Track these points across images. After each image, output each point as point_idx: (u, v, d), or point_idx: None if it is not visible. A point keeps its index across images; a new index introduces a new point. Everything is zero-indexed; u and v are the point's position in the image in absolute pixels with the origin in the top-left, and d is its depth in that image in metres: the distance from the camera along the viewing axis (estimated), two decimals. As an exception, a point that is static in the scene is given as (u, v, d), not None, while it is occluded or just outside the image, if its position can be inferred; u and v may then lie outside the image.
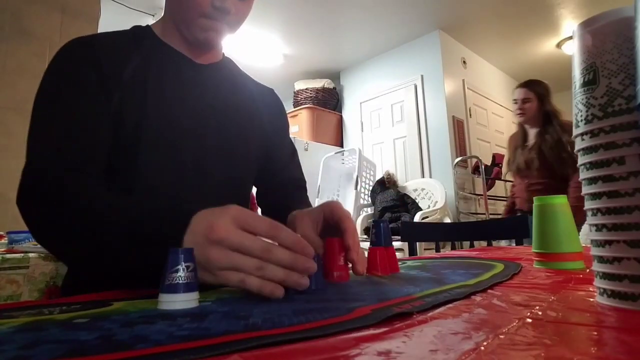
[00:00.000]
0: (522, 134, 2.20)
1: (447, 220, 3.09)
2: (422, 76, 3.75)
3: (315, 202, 3.20)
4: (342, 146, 4.27)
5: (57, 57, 0.60)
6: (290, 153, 0.86)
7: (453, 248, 1.86)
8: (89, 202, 0.48)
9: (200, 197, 0.64)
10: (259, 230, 0.40)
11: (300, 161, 0.88)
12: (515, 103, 2.17)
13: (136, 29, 0.69)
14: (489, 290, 0.40)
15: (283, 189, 0.82)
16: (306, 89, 4.25)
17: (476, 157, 3.46)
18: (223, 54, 0.79)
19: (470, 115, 3.86)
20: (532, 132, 2.14)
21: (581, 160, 0.32)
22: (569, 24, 3.57)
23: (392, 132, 3.92)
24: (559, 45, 3.96)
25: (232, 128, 0.71)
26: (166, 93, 0.64)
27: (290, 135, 0.96)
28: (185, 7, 0.64)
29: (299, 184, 0.85)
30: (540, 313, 0.29)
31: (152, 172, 0.61)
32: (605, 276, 0.31)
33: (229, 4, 0.63)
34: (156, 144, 0.61)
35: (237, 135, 0.72)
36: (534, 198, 0.64)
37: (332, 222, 0.58)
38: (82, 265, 0.56)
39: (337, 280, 0.50)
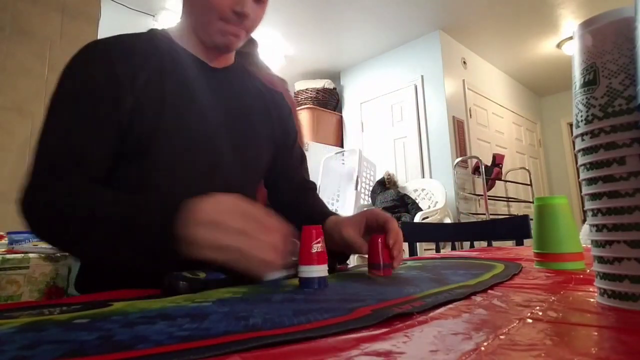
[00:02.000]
0: None
1: (448, 220, 3.08)
2: (422, 76, 3.75)
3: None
4: (342, 146, 4.26)
5: (74, 59, 0.60)
6: (301, 155, 0.89)
7: (453, 248, 1.85)
8: (84, 204, 0.50)
9: None
10: None
11: (301, 161, 0.91)
12: None
13: (153, 32, 0.70)
14: (490, 291, 0.40)
15: (297, 189, 0.85)
16: (306, 89, 4.25)
17: (476, 157, 3.46)
18: (235, 56, 0.80)
19: (470, 115, 3.86)
20: None
21: (581, 160, 0.32)
22: (569, 24, 3.57)
23: (392, 132, 3.92)
24: (559, 45, 3.96)
25: (245, 132, 0.72)
26: (183, 97, 0.64)
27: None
28: (204, 11, 0.64)
29: (311, 185, 0.88)
30: (540, 313, 0.29)
31: (165, 177, 0.61)
32: (606, 276, 0.31)
33: (248, 9, 0.64)
34: (172, 148, 0.62)
35: (249, 139, 0.73)
36: (535, 198, 0.64)
37: (375, 225, 0.63)
38: (88, 259, 0.59)
39: (383, 274, 0.54)
